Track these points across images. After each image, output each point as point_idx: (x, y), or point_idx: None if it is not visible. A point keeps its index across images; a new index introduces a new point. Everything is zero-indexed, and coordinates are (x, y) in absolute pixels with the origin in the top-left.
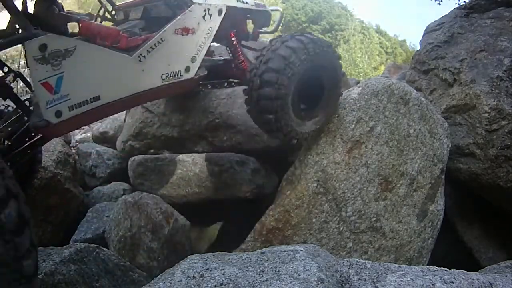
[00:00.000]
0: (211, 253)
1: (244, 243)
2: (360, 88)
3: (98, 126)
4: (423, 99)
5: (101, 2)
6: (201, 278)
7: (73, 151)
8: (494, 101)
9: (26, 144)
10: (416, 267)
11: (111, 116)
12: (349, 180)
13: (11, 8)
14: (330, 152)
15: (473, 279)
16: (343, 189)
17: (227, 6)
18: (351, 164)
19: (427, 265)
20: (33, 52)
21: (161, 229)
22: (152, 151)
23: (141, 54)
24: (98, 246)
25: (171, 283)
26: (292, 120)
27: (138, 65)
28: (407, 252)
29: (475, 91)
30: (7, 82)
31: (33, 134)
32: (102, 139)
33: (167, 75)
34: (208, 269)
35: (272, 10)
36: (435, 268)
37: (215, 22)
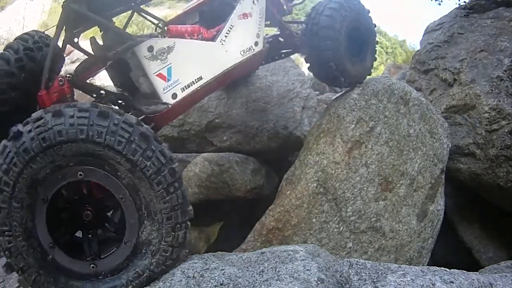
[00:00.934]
0: (211, 253)
1: (244, 243)
2: (360, 88)
3: None
4: (423, 99)
5: (153, 23)
6: (201, 278)
7: None
8: (494, 101)
9: None
10: (416, 267)
11: None
12: (349, 180)
13: (113, 27)
14: (330, 152)
15: (473, 279)
16: (343, 189)
17: None
18: (351, 164)
19: (427, 265)
20: (144, 53)
21: None
22: None
23: (221, 39)
24: None
25: (171, 283)
26: (348, 65)
27: (222, 47)
28: (407, 252)
29: (475, 91)
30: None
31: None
32: None
33: (244, 50)
34: (208, 269)
35: None
36: (435, 268)
37: (262, 3)
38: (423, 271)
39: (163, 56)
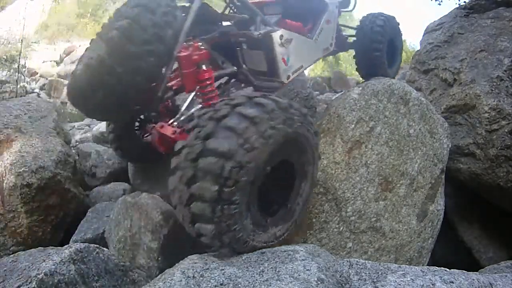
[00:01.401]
0: (211, 253)
1: None
2: (360, 88)
3: (98, 126)
4: (423, 99)
5: (226, 2)
6: (201, 278)
7: (73, 151)
8: (494, 101)
9: None
10: (416, 267)
11: None
12: (349, 180)
13: (260, 14)
14: (330, 152)
15: (473, 279)
16: (343, 189)
17: None
18: (351, 164)
19: (427, 265)
20: (277, 40)
21: (161, 229)
22: None
23: (316, 38)
24: (98, 246)
25: (171, 283)
26: (386, 65)
27: (316, 44)
28: (407, 252)
29: (475, 91)
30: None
31: None
32: (102, 139)
33: (326, 48)
34: (208, 269)
35: None
36: (435, 268)
37: (336, 12)
38: (423, 271)
39: (287, 45)
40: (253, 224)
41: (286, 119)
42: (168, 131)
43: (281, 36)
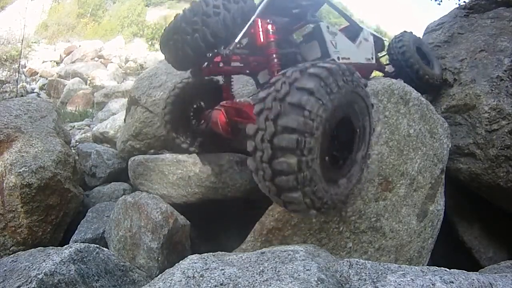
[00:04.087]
0: (211, 253)
1: (244, 243)
2: None
3: (98, 126)
4: (423, 99)
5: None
6: (201, 278)
7: (73, 151)
8: (494, 101)
9: None
10: (416, 267)
11: (111, 116)
12: None
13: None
14: None
15: (473, 279)
16: None
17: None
18: None
19: (427, 265)
20: (324, 28)
21: (161, 229)
22: (152, 151)
23: (357, 45)
24: (98, 246)
25: (171, 283)
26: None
27: (358, 49)
28: (407, 252)
29: (475, 91)
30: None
31: None
32: (102, 139)
33: (367, 58)
34: (208, 269)
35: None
36: (435, 268)
37: (371, 38)
38: (423, 271)
39: (333, 35)
40: (327, 182)
41: (340, 83)
42: (243, 105)
43: (327, 27)
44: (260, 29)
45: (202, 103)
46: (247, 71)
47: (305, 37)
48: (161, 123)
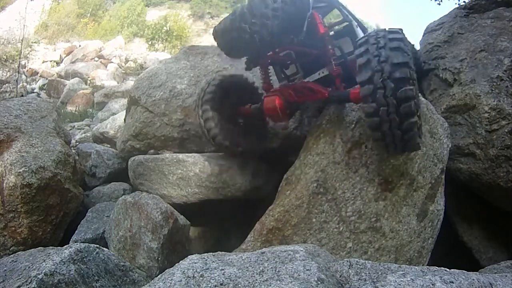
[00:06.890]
0: (211, 253)
1: (244, 243)
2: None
3: (98, 126)
4: (423, 99)
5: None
6: (201, 278)
7: (73, 151)
8: (494, 101)
9: None
10: (416, 267)
11: (111, 116)
12: (349, 180)
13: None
14: (330, 152)
15: (473, 279)
16: (343, 189)
17: None
18: (351, 164)
19: (427, 265)
20: (354, 24)
21: (161, 229)
22: (152, 151)
23: None
24: (98, 246)
25: (171, 283)
26: None
27: None
28: (407, 252)
29: (475, 91)
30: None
31: None
32: (102, 139)
33: None
34: (208, 269)
35: None
36: (435, 268)
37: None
38: (423, 271)
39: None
40: None
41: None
42: (318, 87)
43: (356, 26)
44: (319, 22)
45: (235, 99)
46: (299, 62)
47: (336, 32)
48: (198, 126)
